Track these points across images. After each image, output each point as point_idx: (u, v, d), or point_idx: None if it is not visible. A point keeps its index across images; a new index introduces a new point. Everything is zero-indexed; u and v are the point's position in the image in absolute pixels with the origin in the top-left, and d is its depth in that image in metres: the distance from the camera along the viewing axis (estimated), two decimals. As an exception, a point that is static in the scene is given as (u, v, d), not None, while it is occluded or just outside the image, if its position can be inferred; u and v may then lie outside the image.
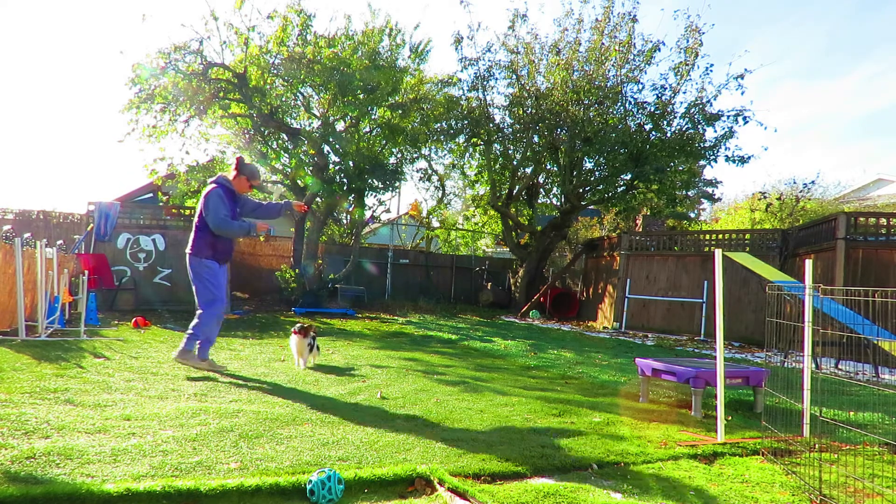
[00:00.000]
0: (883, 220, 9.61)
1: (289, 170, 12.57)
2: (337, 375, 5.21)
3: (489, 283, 17.53)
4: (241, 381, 4.63)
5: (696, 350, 9.30)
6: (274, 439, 3.07)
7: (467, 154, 16.66)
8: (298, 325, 5.61)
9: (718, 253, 3.66)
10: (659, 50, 13.64)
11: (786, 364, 4.00)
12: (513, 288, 17.10)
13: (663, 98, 13.73)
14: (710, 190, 24.27)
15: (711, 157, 13.85)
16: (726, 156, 13.58)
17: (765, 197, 18.01)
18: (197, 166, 12.42)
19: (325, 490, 2.34)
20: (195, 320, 5.00)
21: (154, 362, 5.31)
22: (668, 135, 13.74)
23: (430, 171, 16.89)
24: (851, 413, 4.66)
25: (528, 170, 16.18)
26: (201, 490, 2.27)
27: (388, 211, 16.51)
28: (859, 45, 76.94)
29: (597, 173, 15.17)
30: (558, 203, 16.77)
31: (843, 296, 4.70)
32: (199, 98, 11.15)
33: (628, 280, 12.97)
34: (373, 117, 13.28)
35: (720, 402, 3.61)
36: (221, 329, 8.70)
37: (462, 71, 14.79)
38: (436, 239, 20.57)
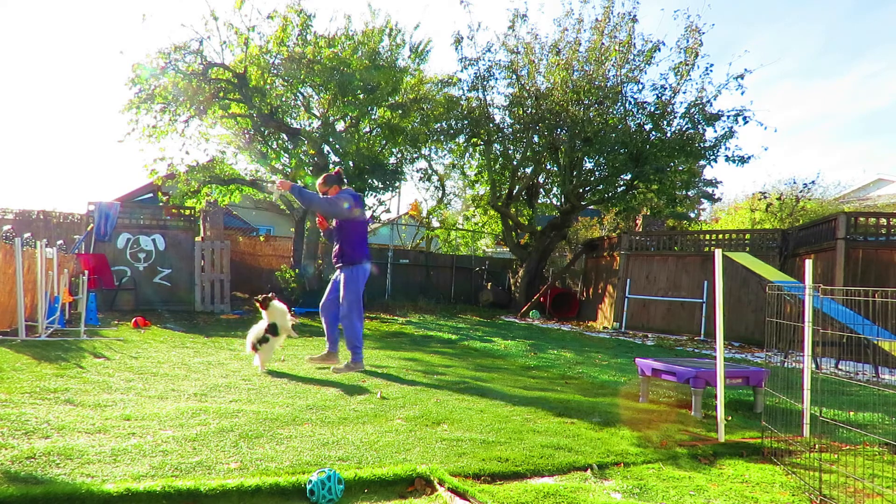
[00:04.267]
0: (883, 220, 9.61)
1: (289, 170, 12.57)
2: (337, 376, 5.21)
3: (489, 283, 17.53)
4: (241, 381, 4.63)
5: (696, 350, 9.30)
6: (274, 439, 3.07)
7: (467, 154, 16.64)
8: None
9: (718, 253, 3.65)
10: (659, 50, 13.63)
11: (786, 364, 3.99)
12: (513, 288, 17.09)
13: (663, 98, 13.72)
14: (710, 190, 24.28)
15: (711, 157, 13.84)
16: (726, 156, 13.58)
17: (765, 197, 18.00)
18: (197, 166, 12.42)
19: (325, 490, 2.34)
20: None
21: (154, 362, 5.32)
22: (668, 135, 13.73)
23: (430, 171, 16.89)
24: (851, 413, 4.66)
25: (528, 170, 16.17)
26: (201, 490, 2.27)
27: (388, 211, 16.52)
28: (856, 44, 76.98)
29: (597, 173, 15.16)
30: (558, 203, 16.76)
31: (843, 296, 4.71)
32: (199, 98, 11.15)
33: (628, 280, 12.97)
34: (373, 117, 13.28)
35: (720, 402, 3.61)
36: (221, 329, 8.73)
37: (462, 71, 14.79)
38: (436, 239, 20.57)
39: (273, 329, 5.15)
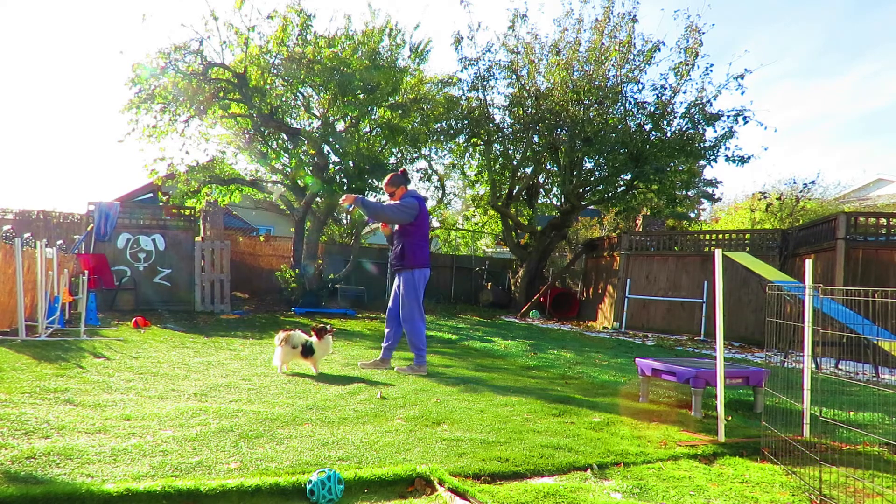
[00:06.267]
0: (883, 220, 9.61)
1: (289, 170, 12.57)
2: (337, 375, 5.21)
3: (489, 283, 17.52)
4: (241, 381, 4.63)
5: (696, 350, 9.30)
6: (274, 439, 3.07)
7: (467, 154, 16.65)
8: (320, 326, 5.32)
9: (718, 253, 3.65)
10: (659, 50, 13.64)
11: (786, 364, 3.99)
12: (513, 288, 17.09)
13: (663, 98, 13.73)
14: (710, 190, 24.30)
15: (711, 157, 13.85)
16: (726, 156, 13.59)
17: (765, 197, 18.00)
18: (197, 166, 12.43)
19: (325, 490, 2.34)
20: None
21: (154, 362, 5.32)
22: (668, 135, 13.73)
23: (430, 171, 16.88)
24: (851, 413, 4.66)
25: (528, 170, 16.17)
26: (201, 490, 2.27)
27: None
28: (855, 44, 77.04)
29: (597, 173, 15.17)
30: (558, 203, 16.77)
31: (843, 296, 4.70)
32: (199, 98, 11.15)
33: (628, 280, 12.97)
34: (373, 117, 13.27)
35: (720, 402, 3.61)
36: (221, 329, 8.73)
37: (462, 71, 14.80)
38: (436, 239, 20.56)
39: (309, 351, 5.13)
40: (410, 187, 5.81)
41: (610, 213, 19.22)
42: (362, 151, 12.39)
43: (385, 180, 5.75)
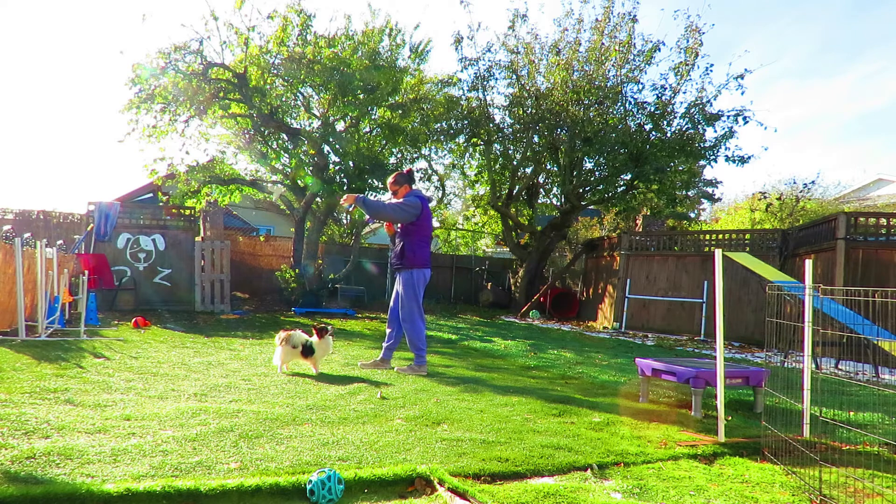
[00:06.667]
0: (883, 220, 9.60)
1: (289, 170, 12.57)
2: (337, 375, 5.21)
3: (489, 283, 17.52)
4: (241, 381, 4.63)
5: (696, 350, 9.29)
6: (274, 439, 3.07)
7: (467, 154, 16.65)
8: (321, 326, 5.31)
9: (718, 253, 3.65)
10: (659, 50, 13.64)
11: (786, 364, 3.99)
12: (513, 288, 17.09)
13: (663, 98, 13.72)
14: (710, 190, 24.23)
15: (711, 157, 13.84)
16: (726, 156, 13.58)
17: (765, 197, 18.00)
18: (197, 166, 12.43)
19: (325, 490, 2.34)
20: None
21: (154, 362, 5.32)
22: (668, 135, 13.73)
23: (430, 171, 16.88)
24: (851, 413, 4.66)
25: (528, 170, 16.17)
26: (201, 490, 2.27)
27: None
28: (854, 44, 77.08)
29: (597, 173, 15.16)
30: (558, 203, 16.76)
31: (843, 296, 4.70)
32: (199, 98, 11.15)
33: (628, 280, 12.97)
34: (373, 117, 13.27)
35: (720, 402, 3.61)
36: (221, 329, 8.72)
37: (462, 71, 14.80)
38: (436, 239, 20.56)
39: (309, 351, 5.12)
40: (413, 187, 5.81)
41: (610, 213, 19.22)
42: (362, 151, 12.39)
43: (390, 179, 5.75)
